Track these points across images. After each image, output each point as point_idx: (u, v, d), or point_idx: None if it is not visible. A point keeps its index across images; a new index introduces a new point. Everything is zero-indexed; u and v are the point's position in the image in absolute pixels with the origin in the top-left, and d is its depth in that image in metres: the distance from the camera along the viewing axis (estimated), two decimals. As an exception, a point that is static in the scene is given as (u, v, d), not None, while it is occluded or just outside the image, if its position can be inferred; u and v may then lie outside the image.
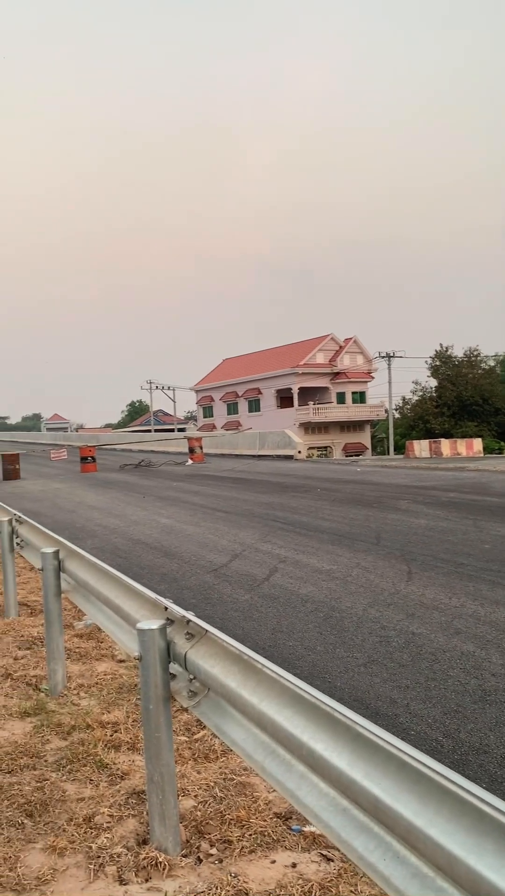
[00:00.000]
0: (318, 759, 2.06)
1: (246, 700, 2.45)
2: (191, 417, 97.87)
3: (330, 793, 2.10)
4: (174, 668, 3.07)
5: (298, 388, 59.61)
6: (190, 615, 3.02)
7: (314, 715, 2.13)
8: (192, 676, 2.95)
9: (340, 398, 60.97)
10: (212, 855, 2.98)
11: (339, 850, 2.85)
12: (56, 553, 5.06)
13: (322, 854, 2.95)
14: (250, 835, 3.08)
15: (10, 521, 7.12)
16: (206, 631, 2.89)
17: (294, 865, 2.88)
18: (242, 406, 66.66)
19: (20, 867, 2.94)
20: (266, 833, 3.08)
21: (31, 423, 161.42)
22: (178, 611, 3.11)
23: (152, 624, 3.05)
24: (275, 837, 3.05)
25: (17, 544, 7.08)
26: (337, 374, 61.00)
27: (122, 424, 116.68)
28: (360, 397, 61.96)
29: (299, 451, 31.94)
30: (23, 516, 7.04)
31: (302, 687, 2.20)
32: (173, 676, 3.07)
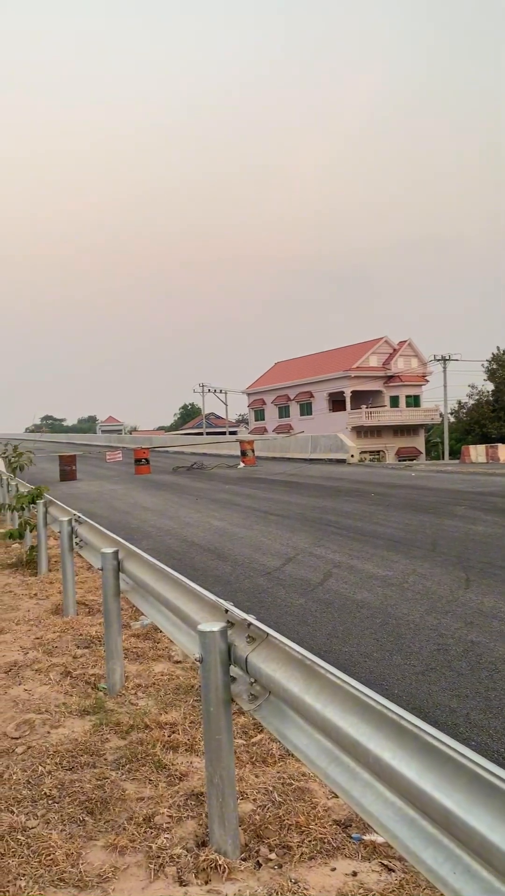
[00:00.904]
0: (385, 768, 2.03)
1: (309, 705, 2.43)
2: (242, 420, 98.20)
3: (396, 802, 2.07)
4: (234, 670, 3.08)
5: (351, 392, 59.25)
6: (251, 618, 3.01)
7: (381, 723, 2.10)
8: (252, 680, 2.94)
9: (394, 402, 60.37)
10: (271, 860, 2.96)
11: (400, 861, 2.82)
12: (115, 553, 5.12)
13: (383, 864, 2.91)
14: (310, 841, 3.05)
15: (69, 521, 7.24)
16: (268, 634, 2.88)
17: (355, 874, 2.85)
18: (294, 409, 66.58)
19: (82, 864, 2.98)
20: (326, 840, 3.06)
21: (87, 425, 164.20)
22: (239, 614, 3.11)
23: (213, 626, 3.06)
24: (335, 845, 3.03)
25: (77, 544, 7.20)
26: (391, 377, 60.42)
27: (174, 427, 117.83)
28: (414, 401, 61.25)
29: (352, 455, 31.73)
30: (82, 516, 7.15)
31: (368, 694, 2.17)
32: (233, 679, 3.07)
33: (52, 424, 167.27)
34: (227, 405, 76.78)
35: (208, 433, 71.39)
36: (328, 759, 2.42)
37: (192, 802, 3.41)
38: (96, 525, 6.63)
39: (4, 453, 12.06)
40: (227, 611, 3.22)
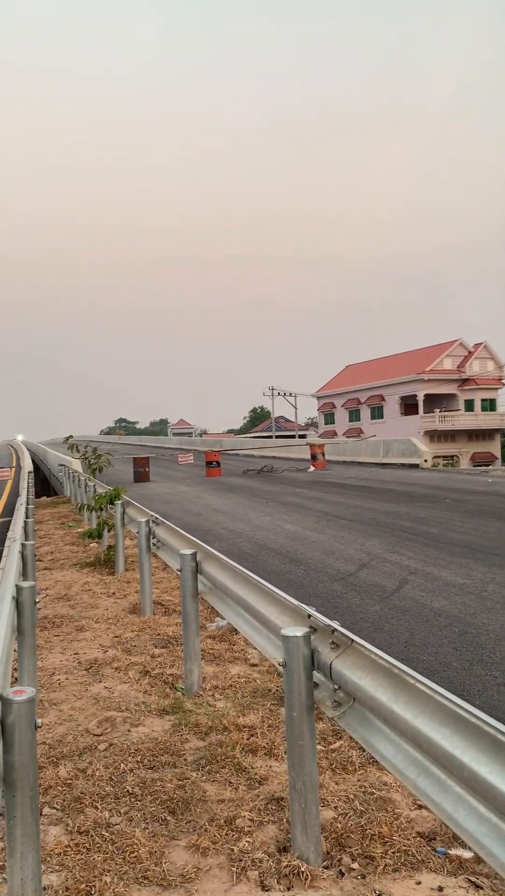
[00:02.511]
0: (480, 783, 1.97)
1: (398, 715, 2.39)
2: (311, 424, 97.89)
3: (491, 818, 2.01)
4: (317, 676, 3.06)
5: (424, 395, 58.27)
6: (335, 624, 2.99)
7: (476, 736, 2.05)
8: (336, 686, 2.92)
9: (469, 406, 59.05)
10: (354, 869, 2.93)
11: (489, 878, 2.74)
12: (194, 555, 5.17)
13: (470, 880, 2.83)
14: (393, 852, 3.00)
15: (147, 522, 7.36)
16: (353, 641, 2.86)
17: (441, 889, 2.78)
18: (365, 413, 65.95)
19: (165, 863, 3.01)
20: (410, 852, 3.00)
21: (159, 427, 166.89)
22: (323, 619, 3.09)
23: (297, 631, 3.04)
24: (419, 858, 2.97)
25: (154, 544, 7.31)
26: (465, 380, 59.14)
27: (243, 430, 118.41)
28: (489, 405, 59.75)
29: (425, 460, 31.18)
30: (159, 517, 7.25)
31: (462, 706, 2.12)
32: (316, 685, 3.05)
33: (125, 427, 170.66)
34: (296, 408, 76.67)
35: (277, 436, 71.44)
36: (417, 770, 2.38)
37: (273, 807, 3.40)
38: (174, 526, 6.72)
39: (85, 455, 12.34)
40: (309, 616, 3.21)
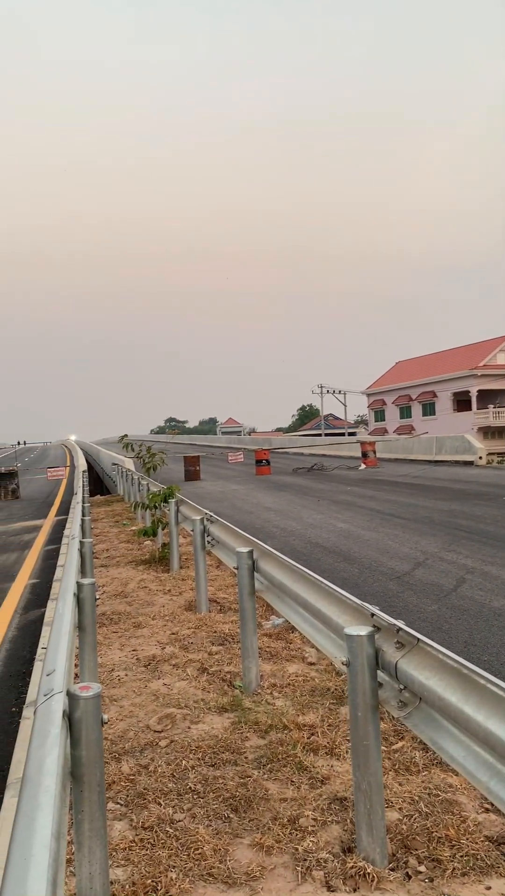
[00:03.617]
0: None
1: (469, 717, 2.33)
2: (361, 421, 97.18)
3: None
4: (381, 676, 3.02)
5: (477, 391, 57.23)
6: (400, 623, 2.94)
7: (553, 740, 1.99)
8: (402, 686, 2.87)
9: (524, 401, 57.77)
10: (421, 872, 2.88)
11: None
12: (250, 553, 5.16)
13: (543, 887, 2.76)
14: (461, 856, 2.94)
15: (202, 520, 7.39)
16: (418, 640, 2.81)
17: (512, 895, 2.72)
18: (416, 410, 65.12)
19: (229, 860, 3.01)
20: (478, 856, 2.94)
21: (207, 426, 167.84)
22: (387, 618, 3.05)
23: (360, 630, 3.01)
24: (488, 862, 2.90)
25: (209, 542, 7.33)
26: (520, 375, 57.90)
27: (292, 428, 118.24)
28: (545, 400, 58.38)
29: (480, 457, 30.63)
30: (214, 515, 7.27)
31: (539, 708, 2.06)
32: (380, 685, 3.01)
33: (174, 426, 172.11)
34: (345, 406, 76.21)
35: (327, 434, 71.09)
36: (489, 772, 2.33)
37: (336, 807, 3.37)
38: (228, 524, 6.73)
39: (139, 454, 12.47)
40: (373, 615, 3.17)
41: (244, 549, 5.18)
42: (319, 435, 70.09)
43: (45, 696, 2.56)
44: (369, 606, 3.23)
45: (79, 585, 4.63)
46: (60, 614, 3.77)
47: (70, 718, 2.58)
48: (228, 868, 2.95)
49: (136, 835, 3.20)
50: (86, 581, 4.71)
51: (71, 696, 2.57)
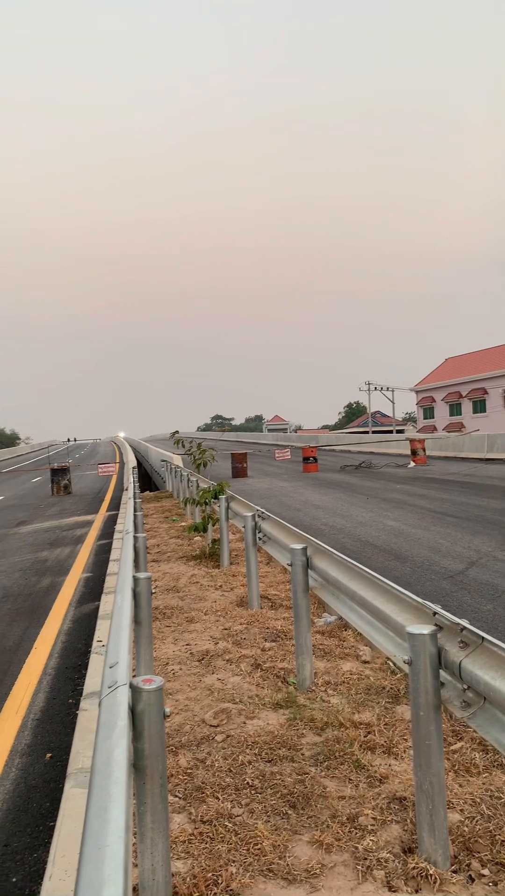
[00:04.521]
0: None
1: (539, 718, 2.28)
2: (409, 419, 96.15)
3: None
4: (443, 675, 2.97)
5: (529, 388, 56.11)
6: (464, 622, 2.89)
7: None
8: (465, 686, 2.83)
9: None
10: (484, 876, 2.83)
11: None
12: (304, 550, 5.14)
13: None
14: (526, 861, 2.88)
15: (253, 517, 7.40)
16: (483, 639, 2.76)
17: None
18: (466, 407, 64.12)
19: (289, 857, 3.00)
20: (544, 862, 2.87)
21: (253, 424, 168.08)
22: (450, 617, 3.00)
23: (423, 629, 2.96)
24: (555, 869, 2.83)
25: (260, 539, 7.34)
26: None
27: (339, 426, 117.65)
28: None
29: (532, 455, 30.02)
30: (266, 512, 7.27)
31: None
32: (442, 684, 2.97)
33: (220, 423, 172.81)
34: (393, 403, 75.39)
35: (374, 432, 70.51)
36: None
37: (396, 806, 3.33)
38: (280, 521, 6.72)
39: (189, 451, 12.55)
40: (435, 613, 3.12)
41: (298, 546, 5.16)
42: (367, 432, 69.56)
43: (109, 688, 2.58)
44: (431, 605, 3.18)
45: (135, 580, 4.68)
46: (119, 608, 3.80)
47: (133, 711, 2.60)
48: (288, 864, 2.95)
49: (196, 828, 3.21)
50: (142, 575, 4.75)
51: (134, 689, 2.59)
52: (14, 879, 3.21)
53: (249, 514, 7.55)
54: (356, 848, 3.03)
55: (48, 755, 4.41)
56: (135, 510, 10.51)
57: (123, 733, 2.15)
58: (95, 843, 1.57)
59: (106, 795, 1.78)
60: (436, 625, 3.06)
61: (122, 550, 5.96)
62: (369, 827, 3.17)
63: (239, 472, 28.67)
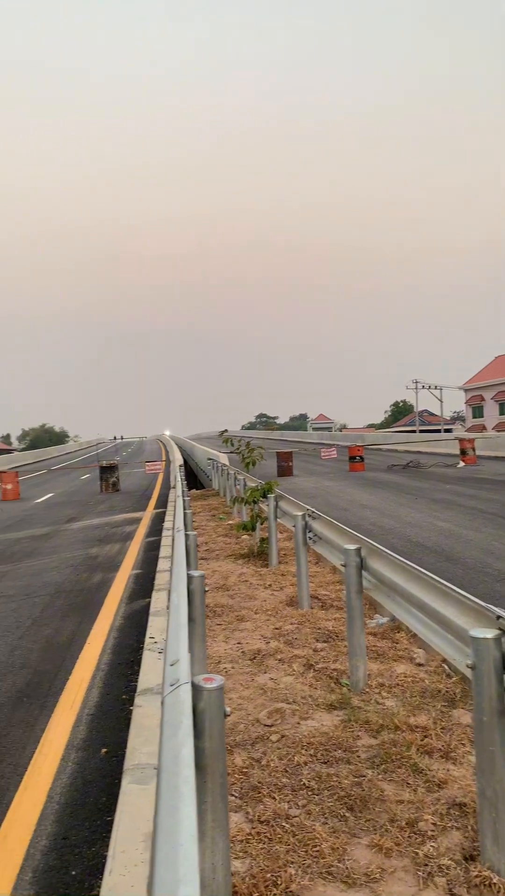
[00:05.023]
0: None
1: None
2: (458, 418, 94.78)
3: None
4: (507, 681, 2.91)
5: None
6: (531, 627, 2.83)
7: None
8: (531, 692, 2.76)
9: None
10: (550, 887, 2.76)
11: None
12: (358, 550, 5.10)
13: None
14: None
15: (303, 516, 7.37)
16: (551, 646, 2.69)
17: None
18: (516, 406, 62.97)
19: (348, 860, 2.98)
20: None
21: (298, 422, 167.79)
22: (515, 621, 2.93)
23: (487, 632, 2.91)
24: None
25: (310, 538, 7.31)
26: None
27: (384, 425, 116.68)
28: None
29: None
30: (316, 511, 7.24)
31: None
32: (505, 690, 2.91)
33: (265, 422, 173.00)
34: (441, 402, 74.43)
35: (421, 431, 69.70)
36: None
37: (456, 812, 3.28)
38: (332, 520, 6.69)
39: (238, 449, 12.59)
40: (499, 617, 3.06)
41: (352, 547, 5.12)
42: (414, 431, 68.80)
43: (171, 686, 2.60)
44: (495, 608, 3.12)
45: (189, 577, 4.70)
46: (176, 605, 3.83)
47: (194, 709, 2.61)
48: (347, 867, 2.92)
49: (253, 828, 3.21)
50: (196, 573, 4.77)
51: (195, 688, 2.60)
52: (73, 872, 3.25)
53: (300, 513, 7.53)
54: (416, 853, 2.99)
55: (103, 750, 4.46)
56: (184, 508, 10.57)
57: (189, 732, 2.15)
58: (169, 843, 1.58)
59: (176, 794, 1.79)
60: (499, 629, 3.00)
61: (175, 548, 5.99)
62: (429, 832, 3.12)
63: (284, 470, 28.63)
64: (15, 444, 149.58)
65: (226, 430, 12.98)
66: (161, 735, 2.22)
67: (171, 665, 2.82)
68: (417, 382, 72.83)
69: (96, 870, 3.21)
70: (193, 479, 37.02)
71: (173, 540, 10.47)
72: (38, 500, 24.51)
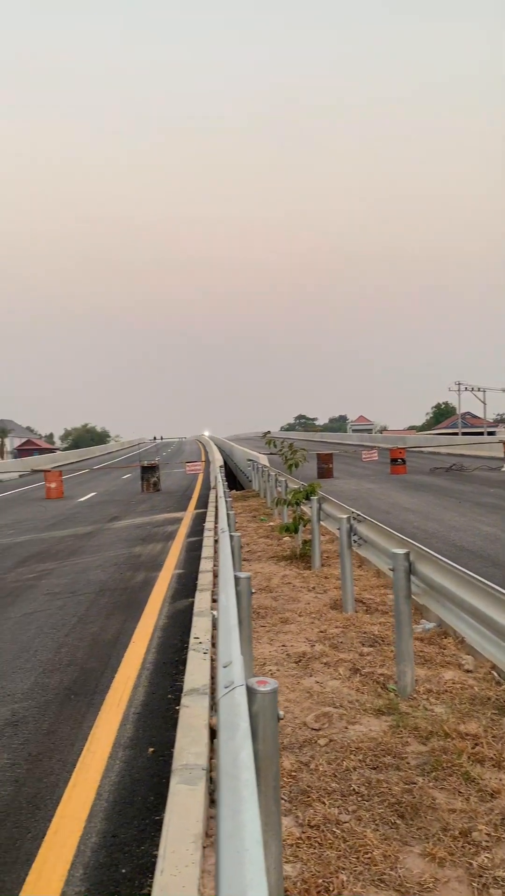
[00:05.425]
0: None
1: None
2: (501, 420, 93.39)
3: None
4: None
5: None
6: None
7: None
8: None
9: None
10: None
11: None
12: (407, 555, 5.05)
13: None
14: None
15: (348, 519, 7.33)
16: None
17: None
18: None
19: (400, 868, 2.94)
20: None
21: (337, 424, 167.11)
22: None
23: (546, 641, 2.85)
24: None
25: (355, 542, 7.26)
26: None
27: (426, 427, 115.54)
28: None
29: None
30: (362, 514, 7.19)
31: None
32: None
33: (304, 423, 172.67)
34: (484, 404, 73.39)
35: (463, 433, 68.78)
36: None
37: (510, 824, 3.22)
38: (378, 523, 6.63)
39: (281, 451, 12.57)
40: None
41: (401, 551, 5.07)
42: (456, 434, 67.94)
43: (225, 688, 2.59)
44: (553, 616, 3.05)
45: (236, 579, 4.70)
46: (225, 607, 3.82)
47: (248, 712, 2.60)
48: (400, 876, 2.89)
49: (303, 832, 3.19)
50: (242, 575, 4.77)
51: (249, 690, 2.60)
52: (123, 871, 3.27)
53: (344, 516, 7.48)
54: (470, 864, 2.94)
55: (150, 749, 4.48)
56: (228, 509, 10.59)
57: (247, 735, 2.14)
58: (233, 847, 1.57)
59: (237, 798, 1.78)
60: None
61: (220, 549, 6.00)
62: (484, 843, 3.07)
63: (325, 472, 28.52)
64: (57, 443, 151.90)
65: (269, 432, 12.98)
66: (218, 737, 2.22)
67: (225, 667, 2.82)
68: (459, 384, 71.97)
69: (146, 869, 3.23)
70: (233, 479, 37.10)
71: (215, 541, 10.50)
72: (81, 499, 24.81)
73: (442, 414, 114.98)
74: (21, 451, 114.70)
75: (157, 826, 3.45)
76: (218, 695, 2.59)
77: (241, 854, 1.53)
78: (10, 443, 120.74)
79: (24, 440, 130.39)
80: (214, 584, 8.21)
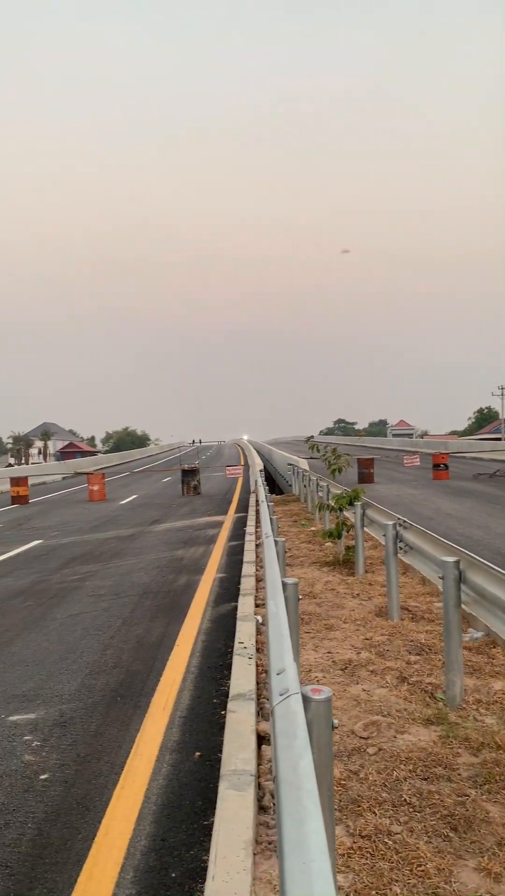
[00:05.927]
0: None
1: None
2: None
3: None
4: None
5: None
6: None
7: None
8: None
9: None
10: None
11: None
12: (457, 563, 4.98)
13: None
14: None
15: (394, 525, 7.26)
16: None
17: None
18: None
19: (454, 882, 2.89)
20: None
21: (377, 428, 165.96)
22: None
23: None
24: None
25: (400, 548, 7.19)
26: None
27: (468, 432, 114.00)
28: None
29: None
30: (408, 521, 7.12)
31: None
32: None
33: (343, 427, 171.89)
34: (528, 409, 72.12)
35: (506, 439, 67.58)
36: None
37: None
38: (425, 530, 6.56)
39: (325, 456, 12.52)
40: None
41: (451, 559, 5.00)
42: (499, 439, 66.91)
43: (280, 696, 2.58)
44: None
45: (284, 585, 4.68)
46: (274, 613, 3.81)
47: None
48: (454, 890, 2.84)
49: (354, 842, 3.16)
50: (290, 581, 4.75)
51: (305, 699, 2.58)
52: (173, 875, 3.27)
53: (390, 522, 7.41)
54: (528, 881, 2.87)
55: (197, 753, 4.48)
56: (270, 514, 10.58)
57: (305, 744, 2.13)
58: (298, 858, 1.55)
59: (300, 808, 1.76)
60: None
61: (265, 554, 5.99)
62: (540, 860, 3.00)
63: (365, 477, 28.30)
64: (99, 446, 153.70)
65: (312, 437, 12.94)
66: (274, 745, 2.21)
67: (278, 674, 2.81)
68: (502, 388, 70.86)
69: (195, 873, 3.23)
70: (272, 483, 37.06)
71: (256, 545, 10.49)
72: (123, 502, 25.04)
73: (484, 419, 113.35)
74: (64, 454, 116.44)
75: (206, 831, 3.45)
76: (273, 702, 2.58)
77: (308, 866, 1.52)
78: (53, 445, 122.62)
79: (66, 443, 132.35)
80: (257, 589, 8.20)
